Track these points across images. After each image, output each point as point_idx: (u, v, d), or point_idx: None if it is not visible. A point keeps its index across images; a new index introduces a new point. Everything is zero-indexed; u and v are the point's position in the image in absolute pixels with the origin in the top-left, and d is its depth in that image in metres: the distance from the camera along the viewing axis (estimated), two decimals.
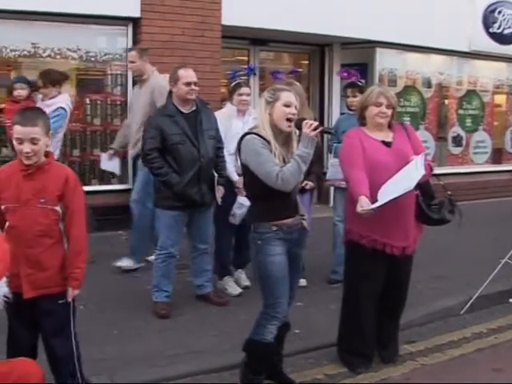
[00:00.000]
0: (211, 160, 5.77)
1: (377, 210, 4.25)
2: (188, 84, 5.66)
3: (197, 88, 5.74)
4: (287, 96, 4.14)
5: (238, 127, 6.21)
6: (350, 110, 6.94)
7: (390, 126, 4.81)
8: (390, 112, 4.72)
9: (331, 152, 6.87)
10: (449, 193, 4.84)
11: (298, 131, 4.16)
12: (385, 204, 4.26)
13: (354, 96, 6.82)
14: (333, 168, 6.62)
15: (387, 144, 4.71)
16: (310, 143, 4.03)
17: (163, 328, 5.44)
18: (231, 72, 10.28)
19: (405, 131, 4.84)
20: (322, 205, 10.02)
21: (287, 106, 4.10)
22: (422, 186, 4.72)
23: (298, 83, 6.52)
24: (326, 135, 8.38)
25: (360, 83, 7.15)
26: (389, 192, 4.31)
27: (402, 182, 4.34)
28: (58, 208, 3.71)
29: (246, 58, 11.05)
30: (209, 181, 5.75)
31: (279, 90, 4.17)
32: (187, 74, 5.71)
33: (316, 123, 4.05)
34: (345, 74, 11.33)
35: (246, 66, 10.86)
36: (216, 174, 5.84)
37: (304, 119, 4.12)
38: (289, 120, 4.10)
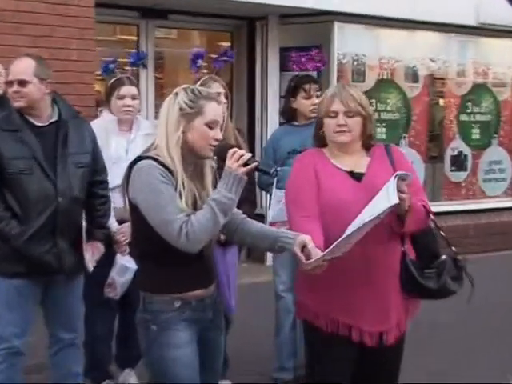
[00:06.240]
0: (77, 200, 5.59)
1: (330, 256, 4.10)
2: (10, 83, 5.47)
3: (24, 90, 5.41)
4: (214, 110, 4.08)
5: (119, 148, 6.23)
6: (293, 119, 6.90)
7: (367, 148, 4.79)
8: (353, 121, 4.64)
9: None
10: (453, 249, 4.79)
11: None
12: (342, 247, 4.13)
13: (318, 96, 6.60)
14: (278, 206, 6.48)
15: (357, 176, 4.66)
16: (236, 185, 3.94)
17: None
18: (102, 63, 10.14)
19: (387, 156, 4.78)
20: (254, 263, 10.02)
21: (211, 126, 4.04)
22: (418, 239, 4.69)
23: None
24: None
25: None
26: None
27: (366, 216, 4.20)
28: None
29: (134, 38, 11.00)
30: (72, 233, 5.60)
31: (204, 98, 4.07)
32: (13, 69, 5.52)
33: (248, 155, 3.98)
34: (303, 60, 11.26)
35: (132, 52, 10.68)
36: (84, 224, 5.73)
37: (231, 146, 4.10)
38: (211, 145, 4.06)
